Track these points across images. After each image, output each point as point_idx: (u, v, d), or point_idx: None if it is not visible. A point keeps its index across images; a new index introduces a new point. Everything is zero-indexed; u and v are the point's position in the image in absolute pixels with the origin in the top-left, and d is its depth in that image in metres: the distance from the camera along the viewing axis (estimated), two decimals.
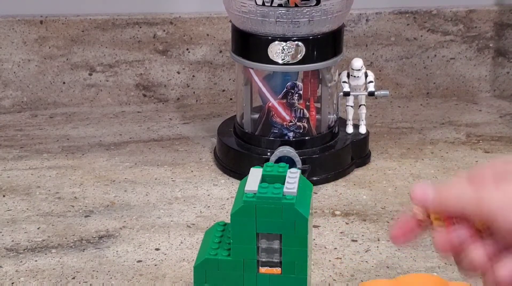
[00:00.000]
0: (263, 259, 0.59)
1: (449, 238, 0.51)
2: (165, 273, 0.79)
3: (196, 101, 1.22)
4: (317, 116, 1.00)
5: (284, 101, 0.97)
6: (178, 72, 1.20)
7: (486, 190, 0.50)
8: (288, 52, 0.93)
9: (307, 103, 0.98)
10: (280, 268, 0.59)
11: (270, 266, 0.59)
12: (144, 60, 1.19)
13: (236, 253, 0.59)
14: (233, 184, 0.96)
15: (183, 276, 0.78)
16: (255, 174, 0.63)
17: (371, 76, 1.01)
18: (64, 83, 1.19)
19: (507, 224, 0.49)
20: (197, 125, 1.14)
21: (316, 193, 0.94)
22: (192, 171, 1.00)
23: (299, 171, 0.63)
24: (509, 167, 0.51)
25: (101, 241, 0.84)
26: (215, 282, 0.60)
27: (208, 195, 0.94)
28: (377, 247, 0.83)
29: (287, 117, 0.97)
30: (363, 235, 0.85)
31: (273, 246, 0.58)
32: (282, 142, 0.96)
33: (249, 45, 0.95)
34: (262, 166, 0.64)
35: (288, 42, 0.93)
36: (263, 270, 0.59)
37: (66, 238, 0.85)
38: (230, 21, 0.99)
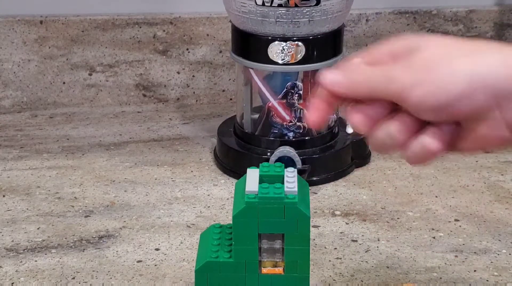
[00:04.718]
0: (265, 260, 0.59)
1: (367, 113, 0.51)
2: (165, 273, 0.79)
3: (196, 101, 1.22)
4: None
5: (284, 101, 0.97)
6: (178, 72, 1.20)
7: (393, 69, 0.50)
8: (288, 52, 0.93)
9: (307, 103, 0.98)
10: (282, 268, 0.59)
11: (272, 266, 0.59)
12: (144, 60, 1.19)
13: (238, 254, 0.59)
14: (233, 184, 0.96)
15: (183, 276, 0.78)
16: (252, 175, 0.63)
17: None
18: (64, 83, 1.19)
19: (418, 100, 0.49)
20: (197, 125, 1.14)
21: (316, 193, 0.94)
22: (192, 171, 1.00)
23: (296, 170, 0.63)
24: (404, 44, 0.51)
25: (101, 241, 0.84)
26: (217, 284, 0.60)
27: (208, 195, 0.94)
28: (377, 247, 0.83)
29: (287, 117, 0.97)
30: (363, 235, 0.85)
31: (275, 246, 0.58)
32: (282, 142, 0.96)
33: (249, 45, 0.95)
34: (257, 167, 0.64)
35: (288, 42, 0.93)
36: (265, 270, 0.59)
37: (66, 238, 0.85)
38: (230, 21, 0.99)
